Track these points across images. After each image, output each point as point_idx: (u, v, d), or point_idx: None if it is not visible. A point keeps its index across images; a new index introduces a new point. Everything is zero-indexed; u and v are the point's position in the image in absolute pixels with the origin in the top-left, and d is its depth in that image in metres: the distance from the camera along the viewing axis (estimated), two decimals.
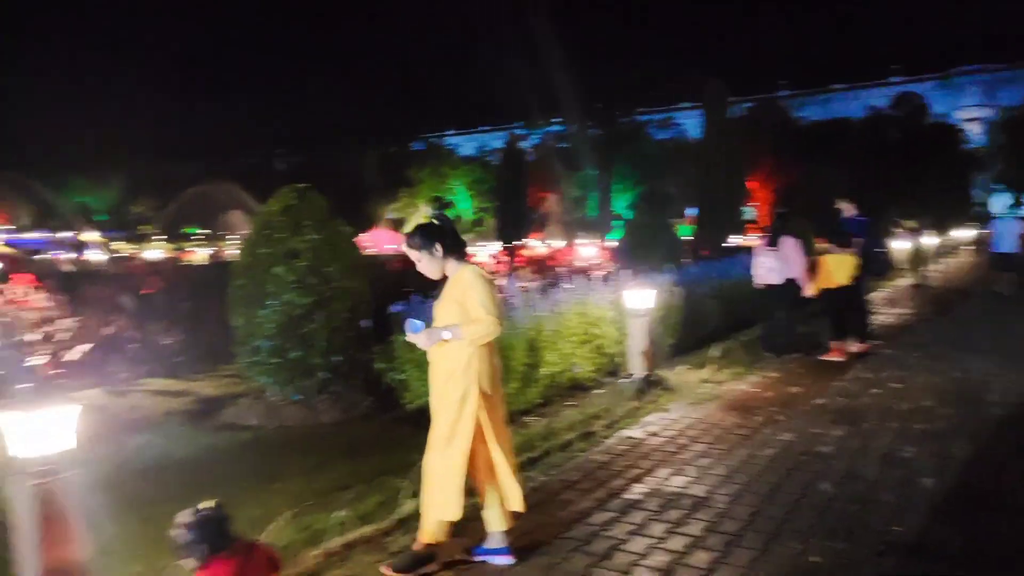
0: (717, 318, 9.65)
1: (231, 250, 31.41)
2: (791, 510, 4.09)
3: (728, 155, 31.76)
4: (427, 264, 3.55)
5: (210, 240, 44.14)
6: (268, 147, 65.55)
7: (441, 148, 59.58)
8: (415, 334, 3.45)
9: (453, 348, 3.40)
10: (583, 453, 5.19)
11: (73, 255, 26.35)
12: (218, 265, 21.19)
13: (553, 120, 53.29)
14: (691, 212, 34.02)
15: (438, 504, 3.37)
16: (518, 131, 53.96)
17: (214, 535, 2.52)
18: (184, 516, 2.53)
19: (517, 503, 3.50)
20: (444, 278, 3.58)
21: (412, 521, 3.91)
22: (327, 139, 59.79)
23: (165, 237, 44.45)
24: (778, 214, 9.86)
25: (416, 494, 4.12)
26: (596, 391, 6.90)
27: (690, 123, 46.85)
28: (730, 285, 10.32)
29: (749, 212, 39.33)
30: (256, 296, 6.65)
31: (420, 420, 5.81)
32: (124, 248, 35.28)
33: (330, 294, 6.68)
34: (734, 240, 27.57)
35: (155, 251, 32.95)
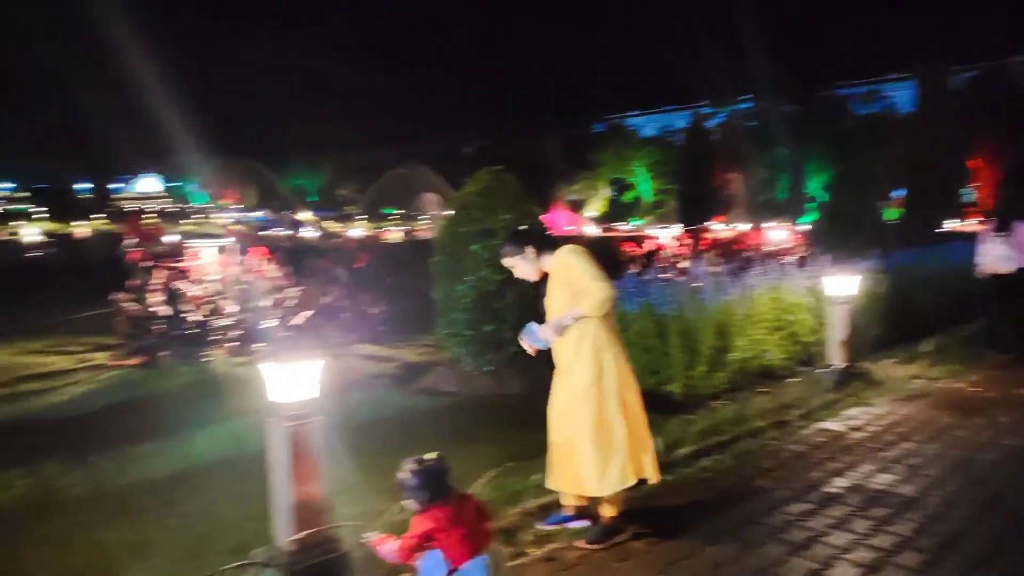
0: (929, 310, 8.81)
1: (422, 229, 33.36)
2: (1017, 521, 3.71)
3: (946, 131, 28.53)
4: (523, 267, 3.64)
5: (404, 220, 47.18)
6: (457, 132, 68.53)
7: (623, 129, 58.98)
8: (536, 336, 3.50)
9: (575, 329, 3.46)
10: (776, 442, 5.03)
11: (290, 232, 29.35)
12: (412, 243, 22.69)
13: (742, 97, 50.73)
14: (898, 194, 31.03)
15: (614, 477, 3.45)
16: (704, 110, 51.97)
17: (435, 483, 2.77)
18: (411, 464, 2.81)
19: (637, 475, 3.51)
20: (544, 277, 3.65)
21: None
22: (512, 123, 61.35)
23: (366, 217, 48.17)
24: (1008, 196, 8.76)
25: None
26: (789, 380, 6.61)
27: (901, 96, 42.56)
28: (944, 274, 9.36)
29: (968, 194, 35.10)
30: (455, 272, 7.09)
31: None
32: (333, 227, 38.71)
33: None
34: (949, 225, 24.80)
35: (358, 230, 35.85)
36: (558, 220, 34.41)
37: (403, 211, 53.15)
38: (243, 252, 9.90)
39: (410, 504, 2.75)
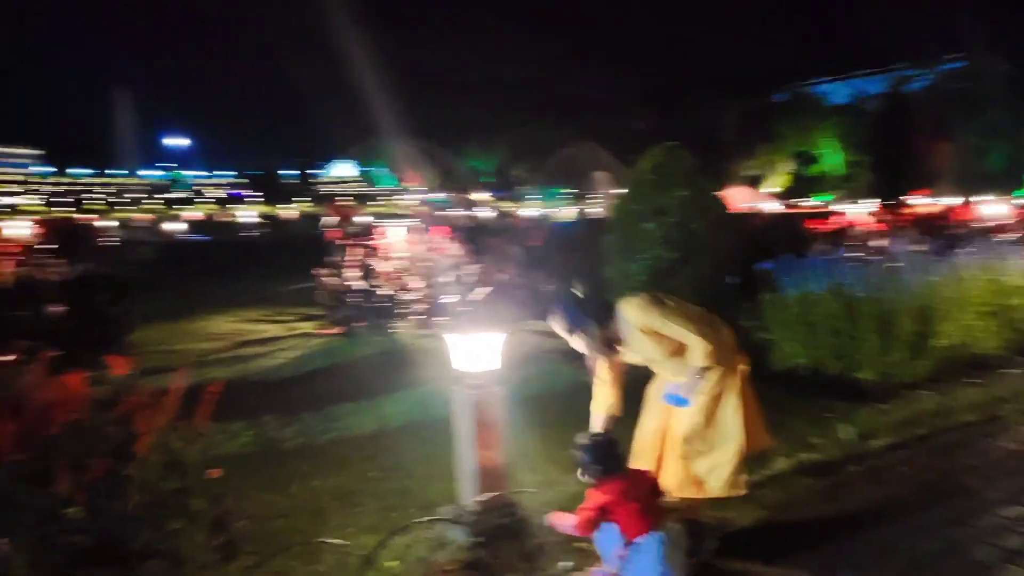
0: None
1: (593, 208, 33.35)
2: None
3: None
4: (595, 348, 3.17)
5: (576, 199, 47.44)
6: (628, 108, 67.47)
7: (808, 98, 54.98)
8: (681, 395, 3.14)
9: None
10: (988, 439, 4.55)
11: (466, 212, 30.62)
12: (583, 222, 22.80)
13: (949, 57, 45.35)
14: None
15: (729, 483, 3.27)
16: (904, 73, 47.09)
17: (606, 457, 2.85)
18: (581, 439, 2.90)
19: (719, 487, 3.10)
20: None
21: (781, 478, 3.91)
22: (685, 96, 59.32)
23: (540, 196, 49.07)
24: None
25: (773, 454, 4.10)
26: (1004, 371, 5.93)
27: None
28: None
29: None
30: (627, 250, 7.08)
31: (786, 381, 5.71)
32: (506, 206, 39.85)
33: (696, 250, 6.80)
34: None
35: (531, 209, 36.62)
36: (735, 197, 32.91)
37: (575, 190, 53.48)
38: (426, 231, 10.50)
39: (586, 479, 2.84)
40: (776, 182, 51.39)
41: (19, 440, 2.82)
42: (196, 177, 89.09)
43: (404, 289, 9.22)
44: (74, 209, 60.20)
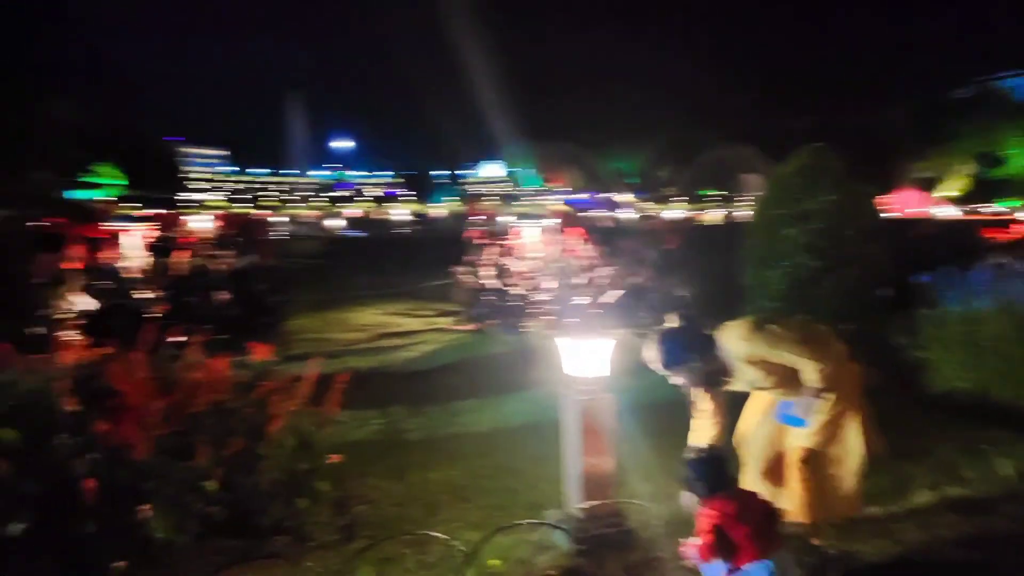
0: None
1: (742, 211, 32.00)
2: None
3: None
4: (701, 382, 3.01)
5: (725, 202, 45.75)
6: (785, 107, 64.09)
7: (994, 93, 49.54)
8: (796, 415, 2.96)
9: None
10: None
11: (609, 213, 30.43)
12: (730, 226, 21.94)
13: None
14: None
15: (849, 503, 3.03)
16: None
17: (713, 476, 2.70)
18: (688, 453, 2.79)
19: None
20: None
21: (923, 513, 3.56)
22: (849, 94, 55.41)
23: (685, 198, 47.84)
24: None
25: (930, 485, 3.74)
26: None
27: None
28: None
29: None
30: (767, 256, 6.73)
31: (941, 406, 5.20)
32: (650, 208, 39.19)
33: (842, 258, 6.35)
34: None
35: (675, 211, 35.76)
36: (905, 201, 30.33)
37: (724, 192, 51.54)
38: (561, 232, 10.55)
39: (692, 497, 2.71)
40: (952, 186, 46.77)
41: (167, 416, 3.14)
42: (358, 177, 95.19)
43: (536, 289, 9.32)
44: (251, 205, 66.03)
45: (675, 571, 2.98)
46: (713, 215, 30.46)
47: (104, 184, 55.91)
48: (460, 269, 10.03)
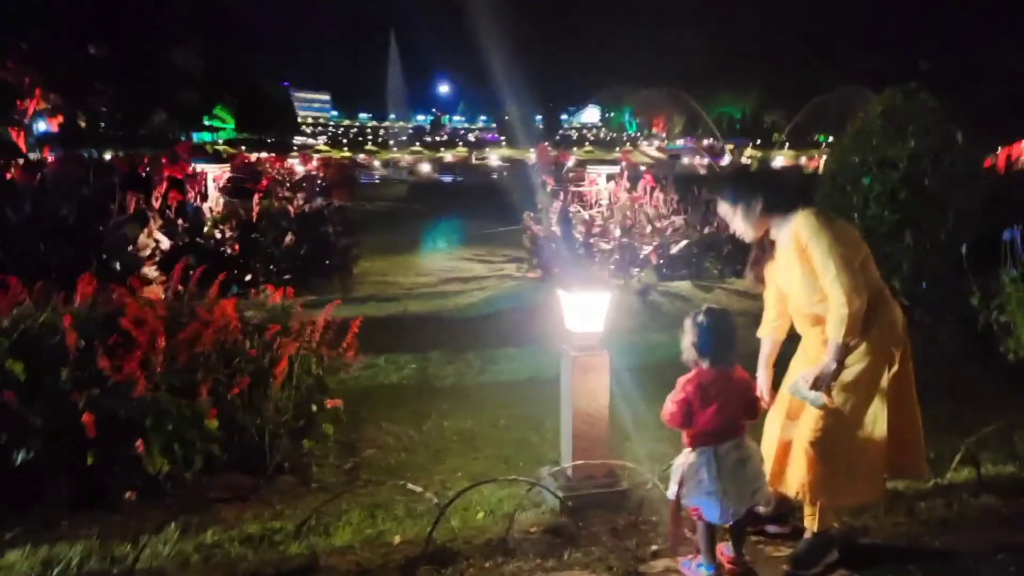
0: None
1: None
2: None
3: None
4: (741, 223, 2.75)
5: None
6: (912, 45, 58.70)
7: None
8: (805, 392, 2.58)
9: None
10: None
11: (706, 160, 29.18)
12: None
13: None
14: None
15: (857, 490, 2.69)
16: None
17: (714, 342, 2.50)
18: (699, 313, 2.57)
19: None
20: (766, 239, 2.75)
21: (955, 490, 3.23)
22: (986, 29, 49.93)
23: (788, 144, 45.26)
24: None
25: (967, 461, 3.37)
26: None
27: None
28: None
29: None
30: (841, 207, 6.21)
31: (1018, 376, 4.69)
32: (754, 155, 37.32)
33: (924, 211, 5.78)
34: None
35: (780, 158, 33.88)
36: None
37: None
38: (634, 180, 10.16)
39: (687, 356, 2.57)
40: None
41: (171, 354, 3.24)
42: (457, 123, 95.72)
43: (602, 237, 9.06)
44: (350, 150, 67.74)
45: (663, 535, 2.85)
46: (821, 162, 28.58)
47: (220, 127, 58.84)
48: (529, 215, 9.88)
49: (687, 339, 2.58)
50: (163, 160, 8.40)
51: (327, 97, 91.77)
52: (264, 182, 9.16)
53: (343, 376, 4.34)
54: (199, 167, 8.66)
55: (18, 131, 37.60)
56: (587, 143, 68.24)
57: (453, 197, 21.98)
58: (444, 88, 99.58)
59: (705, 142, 45.37)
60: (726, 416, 2.50)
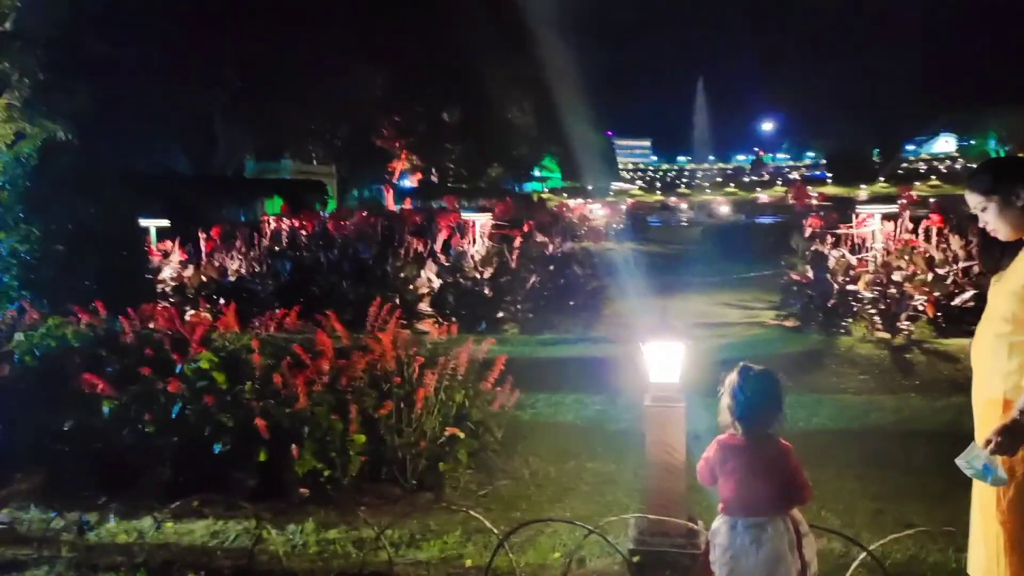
0: None
1: None
2: None
3: None
4: (995, 218, 2.19)
5: None
6: None
7: None
8: (979, 467, 2.05)
9: None
10: None
11: None
12: None
13: None
14: None
15: None
16: None
17: (748, 403, 2.31)
18: (736, 369, 2.38)
19: None
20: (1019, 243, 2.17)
21: None
22: None
23: None
24: None
25: None
26: None
27: None
28: None
29: None
30: None
31: None
32: None
33: None
34: None
35: None
36: None
37: None
38: (919, 221, 8.88)
39: (722, 419, 2.41)
40: None
41: (332, 378, 3.90)
42: (781, 160, 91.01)
43: (866, 285, 8.09)
44: (663, 192, 68.42)
45: None
46: None
47: (548, 176, 64.27)
48: (787, 260, 9.24)
49: (724, 399, 2.41)
50: (438, 212, 9.70)
51: (648, 143, 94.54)
52: (526, 227, 9.96)
53: (507, 410, 4.64)
54: (466, 216, 9.80)
55: (387, 188, 45.73)
56: (933, 176, 59.61)
57: (750, 239, 21.11)
58: (767, 125, 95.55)
59: None
60: (749, 489, 2.27)
